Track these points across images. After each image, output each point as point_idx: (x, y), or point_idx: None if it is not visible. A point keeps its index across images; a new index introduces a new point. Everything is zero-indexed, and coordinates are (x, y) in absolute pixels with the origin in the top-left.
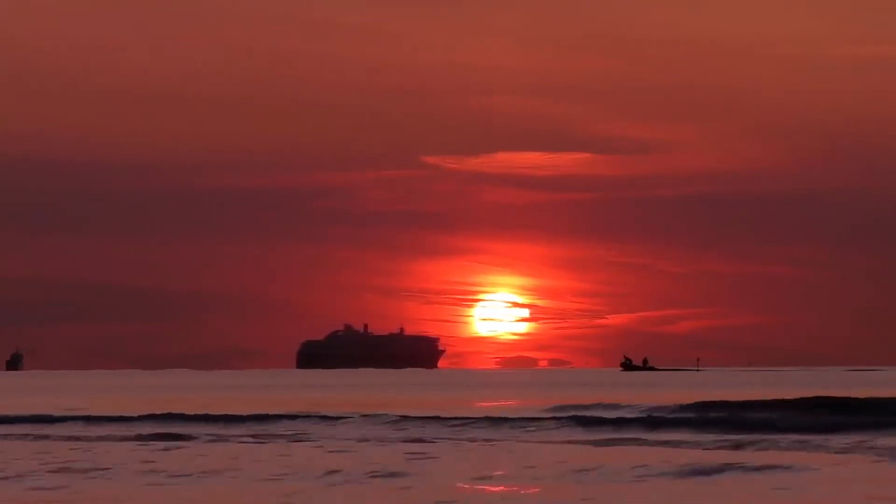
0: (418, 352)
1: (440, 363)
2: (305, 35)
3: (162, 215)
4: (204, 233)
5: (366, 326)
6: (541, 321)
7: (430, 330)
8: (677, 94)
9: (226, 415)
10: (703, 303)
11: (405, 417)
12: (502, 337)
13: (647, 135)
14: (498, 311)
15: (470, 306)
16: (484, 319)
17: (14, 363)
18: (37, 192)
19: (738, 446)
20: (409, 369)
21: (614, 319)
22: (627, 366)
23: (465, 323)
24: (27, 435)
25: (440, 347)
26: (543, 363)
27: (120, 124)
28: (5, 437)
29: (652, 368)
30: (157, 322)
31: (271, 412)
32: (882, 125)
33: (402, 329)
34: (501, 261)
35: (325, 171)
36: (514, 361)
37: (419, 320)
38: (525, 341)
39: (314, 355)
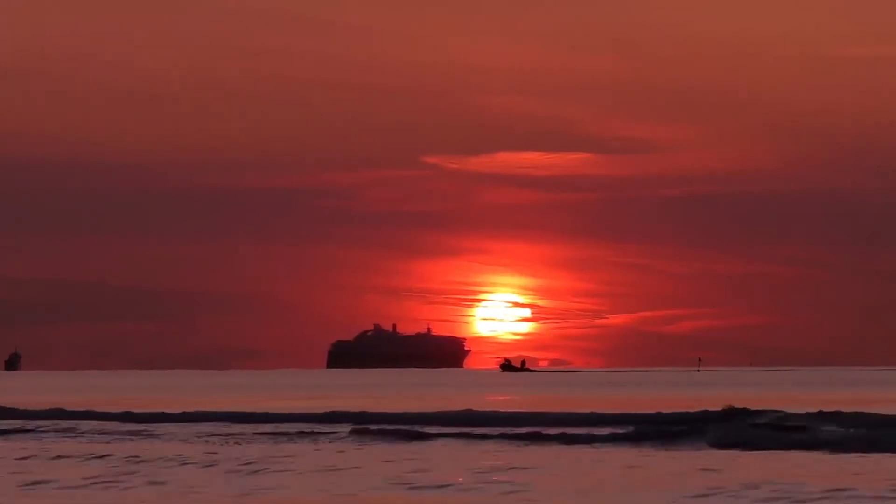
0: (445, 352)
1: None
2: (305, 35)
3: (162, 215)
4: (203, 233)
5: (394, 326)
6: (542, 321)
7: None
8: (677, 94)
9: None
10: (703, 303)
11: None
12: (503, 337)
13: (647, 135)
14: (499, 311)
15: (470, 306)
16: (484, 319)
17: (12, 363)
18: (37, 193)
19: None
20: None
21: (615, 319)
22: (506, 367)
23: (466, 323)
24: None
25: (466, 348)
26: (544, 363)
27: (120, 124)
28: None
29: (528, 370)
30: (159, 322)
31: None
32: (882, 125)
33: (429, 329)
34: (502, 261)
35: (326, 171)
36: (514, 361)
37: (419, 320)
38: (526, 341)
39: (344, 355)
